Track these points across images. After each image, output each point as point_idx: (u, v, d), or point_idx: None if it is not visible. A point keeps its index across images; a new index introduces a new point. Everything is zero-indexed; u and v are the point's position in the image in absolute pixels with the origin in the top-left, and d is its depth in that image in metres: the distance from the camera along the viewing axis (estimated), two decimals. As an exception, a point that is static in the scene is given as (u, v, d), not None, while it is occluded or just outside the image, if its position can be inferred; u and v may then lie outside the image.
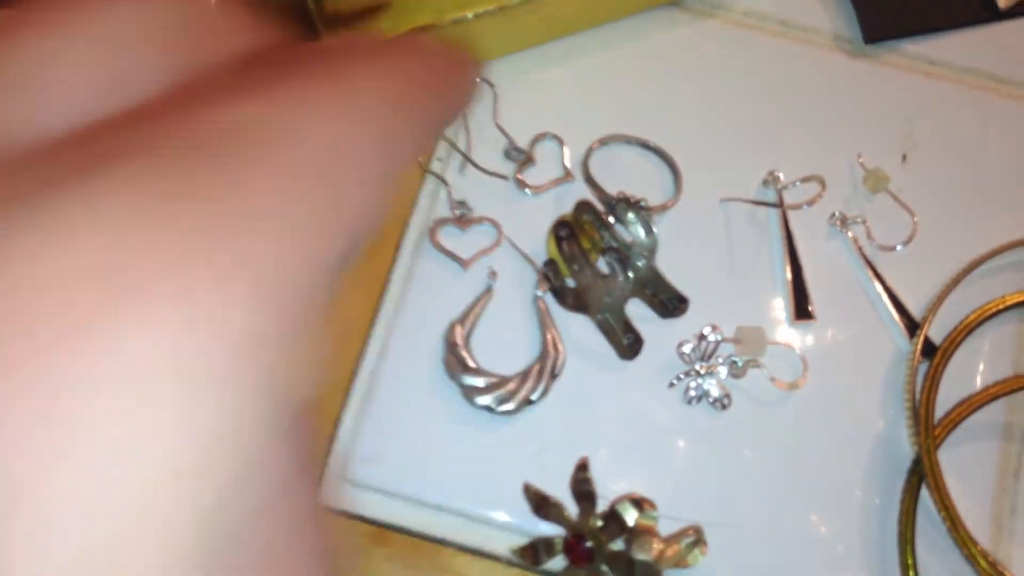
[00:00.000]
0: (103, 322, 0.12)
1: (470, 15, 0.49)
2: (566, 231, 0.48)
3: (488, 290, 0.48)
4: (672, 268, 0.48)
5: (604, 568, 0.43)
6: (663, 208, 0.50)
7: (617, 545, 0.43)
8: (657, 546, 0.43)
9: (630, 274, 0.47)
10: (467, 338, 0.47)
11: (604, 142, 0.51)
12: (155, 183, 0.13)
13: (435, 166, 0.51)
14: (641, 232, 0.48)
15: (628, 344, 0.47)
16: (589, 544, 0.43)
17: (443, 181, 0.50)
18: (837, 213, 0.50)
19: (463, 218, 0.49)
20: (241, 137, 0.14)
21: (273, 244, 0.14)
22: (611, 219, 0.48)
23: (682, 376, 0.47)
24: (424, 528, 0.45)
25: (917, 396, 0.45)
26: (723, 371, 0.46)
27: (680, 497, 0.45)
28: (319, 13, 0.48)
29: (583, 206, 0.49)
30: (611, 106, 0.52)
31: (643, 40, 0.54)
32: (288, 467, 0.14)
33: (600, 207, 0.49)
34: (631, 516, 0.43)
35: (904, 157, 0.51)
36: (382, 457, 0.45)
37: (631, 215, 0.48)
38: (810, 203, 0.50)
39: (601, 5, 0.52)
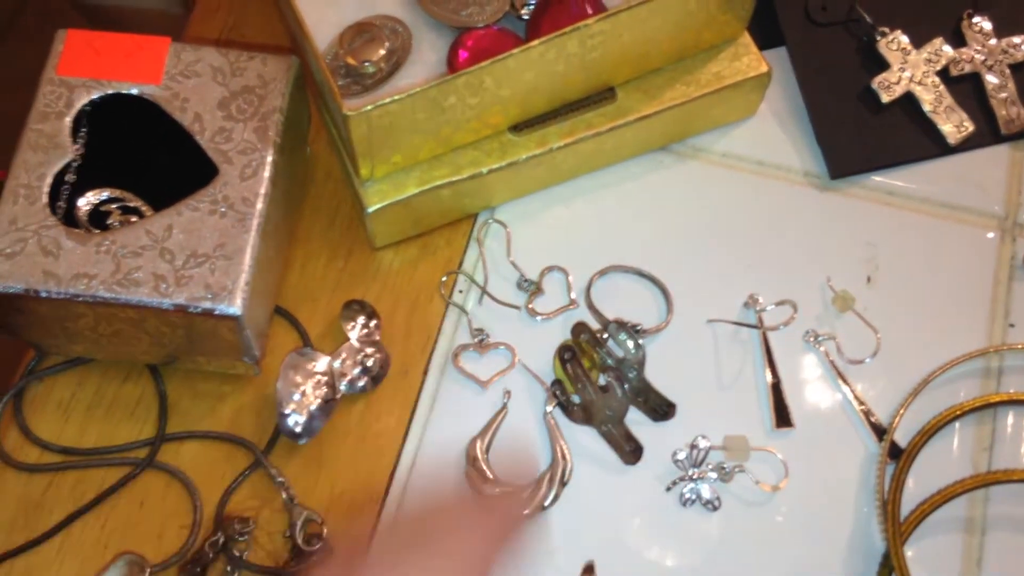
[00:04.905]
0: None
1: (484, 170, 0.57)
2: (569, 354, 0.55)
3: (504, 407, 0.55)
4: (667, 382, 0.55)
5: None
6: (657, 330, 0.57)
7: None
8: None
9: (626, 387, 0.54)
10: (486, 451, 0.53)
11: (603, 272, 0.59)
12: None
13: (456, 298, 0.58)
14: (631, 347, 0.54)
15: (630, 451, 0.53)
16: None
17: (464, 311, 0.58)
18: (810, 331, 0.56)
19: (482, 344, 0.57)
20: None
21: None
22: (604, 336, 0.55)
23: (678, 480, 0.53)
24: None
25: (885, 495, 0.51)
26: (713, 476, 0.52)
27: (679, 591, 0.51)
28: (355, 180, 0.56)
29: (579, 327, 0.56)
30: (609, 239, 0.60)
31: (635, 181, 0.61)
32: None
33: (597, 327, 0.56)
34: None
35: (868, 279, 0.58)
36: (414, 560, 0.51)
37: (620, 335, 0.55)
38: (785, 323, 0.56)
39: (597, 155, 0.60)
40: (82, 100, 0.53)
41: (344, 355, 0.55)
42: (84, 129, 0.53)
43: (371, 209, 0.56)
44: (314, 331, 0.57)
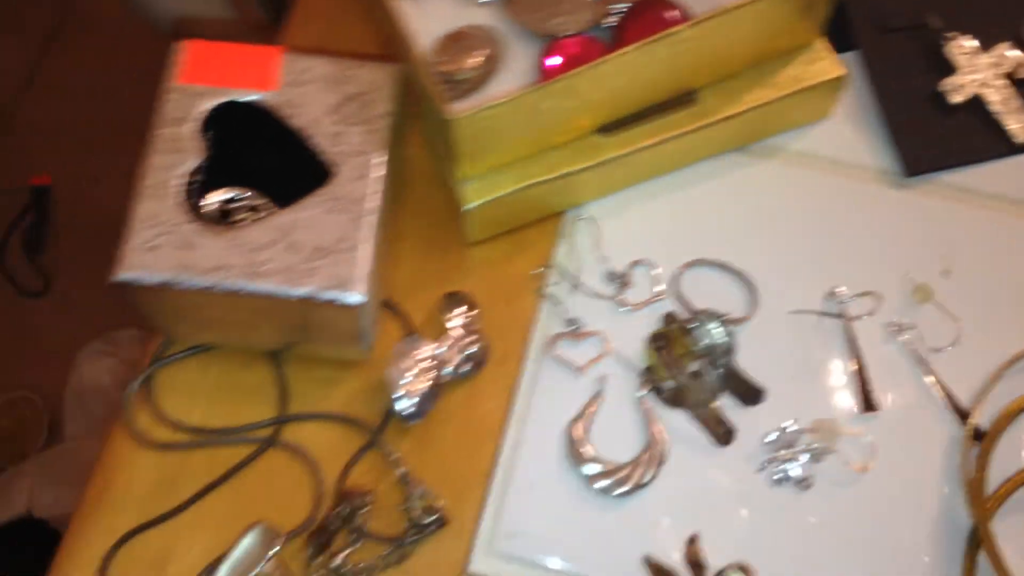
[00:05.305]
0: None
1: (574, 170, 0.60)
2: (662, 342, 0.58)
3: (600, 392, 0.58)
4: (754, 369, 0.58)
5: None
6: (743, 320, 0.60)
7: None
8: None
9: (716, 373, 0.57)
10: (585, 432, 0.57)
11: (690, 265, 0.62)
12: None
13: (549, 290, 0.61)
14: (719, 336, 0.57)
15: (722, 433, 0.56)
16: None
17: (557, 302, 0.61)
18: (891, 321, 0.59)
19: (576, 332, 0.60)
20: None
21: None
22: (694, 326, 0.58)
23: (769, 462, 0.56)
24: (556, 595, 0.53)
25: (970, 475, 0.54)
26: (803, 457, 0.55)
27: (775, 564, 0.54)
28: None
29: (668, 318, 0.59)
30: (692, 234, 0.63)
31: (716, 179, 0.64)
32: None
33: (686, 317, 0.59)
34: (733, 581, 0.52)
35: (945, 272, 0.61)
36: (523, 532, 0.54)
37: (710, 323, 0.58)
38: (868, 314, 0.59)
39: (680, 155, 0.63)
40: (203, 106, 0.56)
41: (447, 343, 0.58)
42: (209, 132, 0.57)
43: (468, 207, 0.59)
44: (416, 321, 0.60)
